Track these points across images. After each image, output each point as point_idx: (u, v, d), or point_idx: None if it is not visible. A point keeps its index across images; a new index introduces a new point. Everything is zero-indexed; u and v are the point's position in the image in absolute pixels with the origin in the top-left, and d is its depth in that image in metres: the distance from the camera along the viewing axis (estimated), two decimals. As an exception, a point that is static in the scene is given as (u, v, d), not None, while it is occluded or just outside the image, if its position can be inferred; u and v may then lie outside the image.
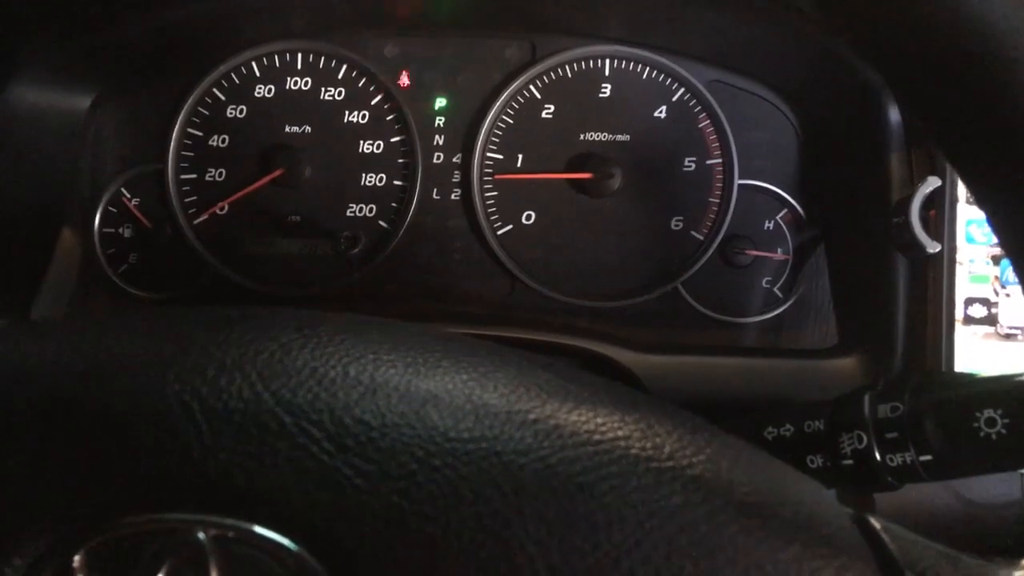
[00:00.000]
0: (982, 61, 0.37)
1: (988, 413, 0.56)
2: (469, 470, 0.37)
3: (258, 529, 0.36)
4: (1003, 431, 0.55)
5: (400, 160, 1.03)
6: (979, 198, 0.41)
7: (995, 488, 0.85)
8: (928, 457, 0.59)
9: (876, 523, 0.41)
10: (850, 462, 0.62)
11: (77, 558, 0.36)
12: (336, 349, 0.41)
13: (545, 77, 1.02)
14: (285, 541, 0.36)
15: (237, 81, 1.01)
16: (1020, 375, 0.58)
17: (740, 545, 0.37)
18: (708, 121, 1.03)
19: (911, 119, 0.90)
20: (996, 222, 0.41)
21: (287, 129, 1.02)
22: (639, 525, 0.37)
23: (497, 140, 1.03)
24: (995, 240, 0.87)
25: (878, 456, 0.61)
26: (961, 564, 0.39)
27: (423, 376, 0.41)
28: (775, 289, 1.05)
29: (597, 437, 0.39)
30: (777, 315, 1.05)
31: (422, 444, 0.37)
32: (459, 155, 1.03)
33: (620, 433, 0.40)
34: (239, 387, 0.39)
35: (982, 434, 0.56)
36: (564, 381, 0.43)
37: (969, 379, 0.62)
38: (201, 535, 0.36)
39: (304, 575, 0.36)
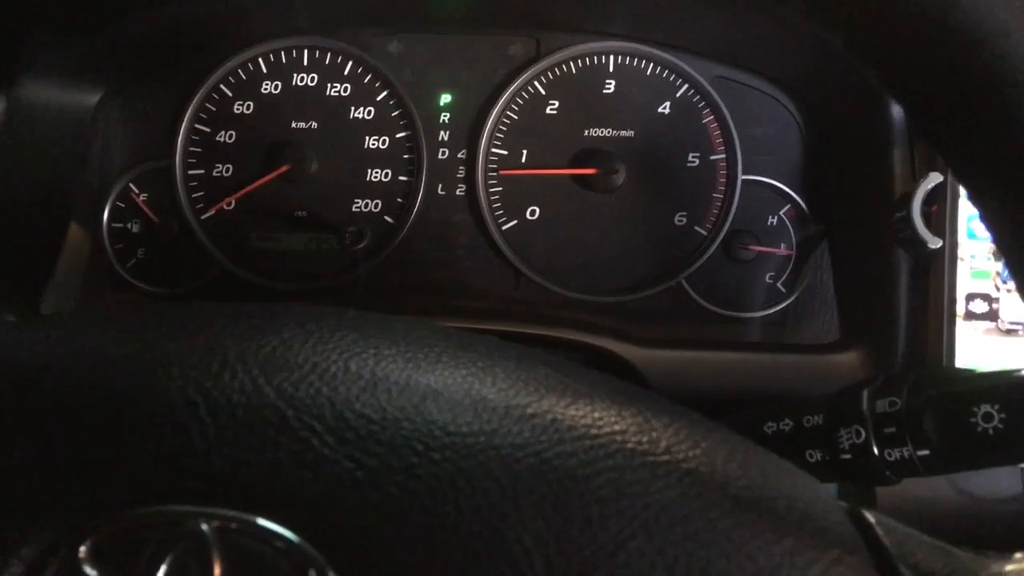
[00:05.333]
0: (974, 61, 0.37)
1: (985, 408, 0.56)
2: (467, 464, 0.37)
3: (260, 521, 0.37)
4: (1000, 426, 0.56)
5: (405, 156, 1.03)
6: (974, 196, 0.42)
7: (997, 482, 0.85)
8: (926, 452, 0.59)
9: (870, 516, 0.41)
10: (849, 457, 0.62)
11: (83, 549, 0.37)
12: (337, 344, 0.42)
13: (549, 73, 1.02)
14: (287, 533, 0.37)
15: (244, 77, 1.02)
16: (1017, 371, 0.58)
17: (734, 538, 0.37)
18: (712, 117, 1.03)
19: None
20: (990, 221, 0.41)
21: (293, 125, 1.02)
22: (634, 518, 0.37)
23: (502, 136, 1.03)
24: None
25: (876, 451, 0.61)
26: (953, 557, 0.40)
27: (423, 371, 0.41)
28: (778, 284, 1.05)
29: (594, 431, 0.40)
30: (780, 310, 1.05)
31: (421, 438, 0.38)
32: (464, 151, 1.04)
33: (617, 427, 0.40)
34: (242, 382, 0.39)
35: (979, 429, 0.56)
36: (562, 376, 0.43)
37: (967, 375, 0.62)
38: (205, 527, 0.37)
39: (305, 566, 0.36)
